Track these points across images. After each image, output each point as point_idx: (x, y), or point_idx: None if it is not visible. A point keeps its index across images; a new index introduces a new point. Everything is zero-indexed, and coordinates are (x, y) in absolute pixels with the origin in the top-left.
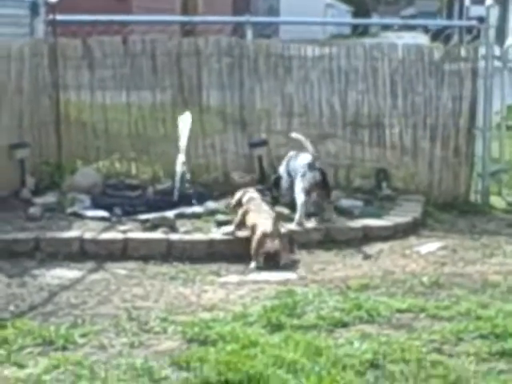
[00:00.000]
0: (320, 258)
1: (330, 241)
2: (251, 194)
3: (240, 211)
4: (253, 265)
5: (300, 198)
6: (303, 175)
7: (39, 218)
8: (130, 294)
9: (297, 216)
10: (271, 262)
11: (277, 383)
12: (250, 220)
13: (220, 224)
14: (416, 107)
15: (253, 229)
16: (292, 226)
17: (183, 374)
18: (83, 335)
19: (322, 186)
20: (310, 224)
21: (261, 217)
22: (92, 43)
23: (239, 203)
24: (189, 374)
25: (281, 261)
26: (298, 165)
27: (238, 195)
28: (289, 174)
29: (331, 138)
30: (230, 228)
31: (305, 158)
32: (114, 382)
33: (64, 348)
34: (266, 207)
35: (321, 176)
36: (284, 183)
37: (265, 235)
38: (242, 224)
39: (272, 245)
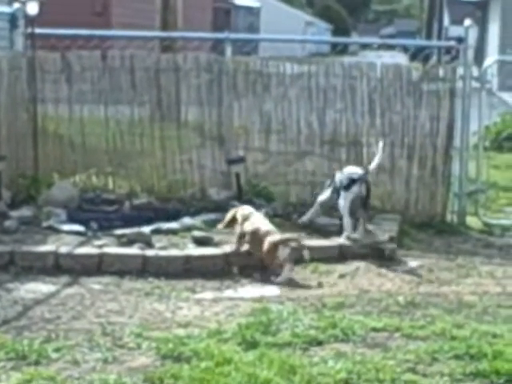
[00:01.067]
0: (296, 275)
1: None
2: (248, 209)
3: (239, 225)
4: (281, 278)
5: (346, 214)
6: (348, 187)
7: (15, 231)
8: (105, 309)
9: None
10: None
11: None
12: (249, 226)
13: (197, 240)
14: (394, 126)
15: (254, 234)
16: (341, 240)
17: None
18: (57, 350)
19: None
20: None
21: (264, 223)
22: (71, 57)
23: (234, 219)
24: None
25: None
26: (344, 177)
27: (231, 212)
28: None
29: (309, 156)
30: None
31: (352, 170)
32: None
33: (37, 363)
34: (265, 220)
35: (366, 191)
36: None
37: (275, 244)
38: (242, 238)
39: (283, 252)
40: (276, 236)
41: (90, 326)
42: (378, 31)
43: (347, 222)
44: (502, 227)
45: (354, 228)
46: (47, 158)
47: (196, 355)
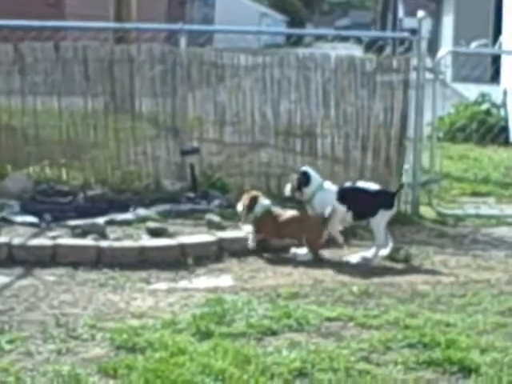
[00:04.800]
0: (251, 265)
1: (261, 249)
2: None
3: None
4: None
5: (381, 237)
6: (391, 206)
7: None
8: (59, 301)
9: (370, 254)
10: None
11: None
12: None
13: (151, 231)
14: (348, 117)
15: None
16: (368, 254)
17: (111, 381)
18: (10, 342)
19: None
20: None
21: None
22: (23, 48)
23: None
24: (116, 381)
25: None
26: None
27: (245, 201)
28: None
29: (263, 147)
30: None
31: (373, 185)
32: None
33: None
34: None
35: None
36: (333, 214)
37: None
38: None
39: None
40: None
41: (43, 317)
42: (332, 23)
43: (384, 239)
44: (455, 217)
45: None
46: (0, 149)
47: (150, 346)
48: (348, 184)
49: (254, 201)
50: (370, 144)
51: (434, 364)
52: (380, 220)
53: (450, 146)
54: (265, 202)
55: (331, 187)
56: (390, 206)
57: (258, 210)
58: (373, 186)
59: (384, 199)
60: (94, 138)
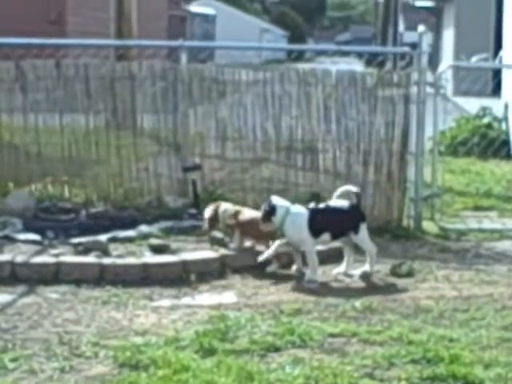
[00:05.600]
0: (253, 282)
1: (263, 265)
2: (225, 206)
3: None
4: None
5: (370, 246)
6: (364, 219)
7: None
8: (62, 319)
9: (369, 266)
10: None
11: None
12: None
13: (153, 248)
14: (349, 132)
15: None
16: (367, 269)
17: None
18: (13, 360)
19: None
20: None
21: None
22: (25, 66)
23: (215, 218)
24: None
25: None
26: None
27: (210, 211)
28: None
29: (265, 163)
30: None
31: (343, 202)
32: None
33: None
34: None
35: None
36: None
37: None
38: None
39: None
40: None
41: (47, 335)
42: (333, 38)
43: (374, 247)
44: (457, 232)
45: None
46: (2, 167)
47: (153, 363)
48: (321, 205)
49: (216, 210)
50: (371, 159)
51: (437, 379)
52: (363, 233)
53: (452, 160)
54: (225, 206)
55: (300, 210)
56: (364, 217)
57: (222, 216)
58: (345, 203)
59: (358, 212)
60: (95, 155)
